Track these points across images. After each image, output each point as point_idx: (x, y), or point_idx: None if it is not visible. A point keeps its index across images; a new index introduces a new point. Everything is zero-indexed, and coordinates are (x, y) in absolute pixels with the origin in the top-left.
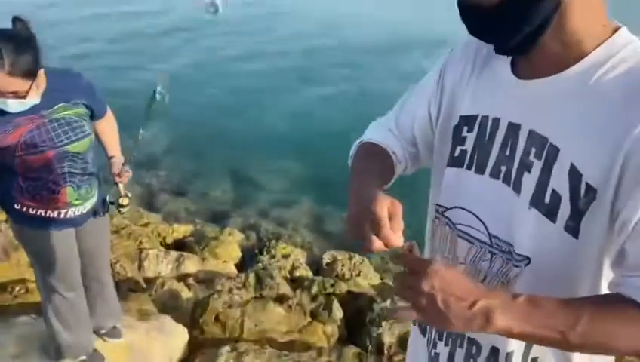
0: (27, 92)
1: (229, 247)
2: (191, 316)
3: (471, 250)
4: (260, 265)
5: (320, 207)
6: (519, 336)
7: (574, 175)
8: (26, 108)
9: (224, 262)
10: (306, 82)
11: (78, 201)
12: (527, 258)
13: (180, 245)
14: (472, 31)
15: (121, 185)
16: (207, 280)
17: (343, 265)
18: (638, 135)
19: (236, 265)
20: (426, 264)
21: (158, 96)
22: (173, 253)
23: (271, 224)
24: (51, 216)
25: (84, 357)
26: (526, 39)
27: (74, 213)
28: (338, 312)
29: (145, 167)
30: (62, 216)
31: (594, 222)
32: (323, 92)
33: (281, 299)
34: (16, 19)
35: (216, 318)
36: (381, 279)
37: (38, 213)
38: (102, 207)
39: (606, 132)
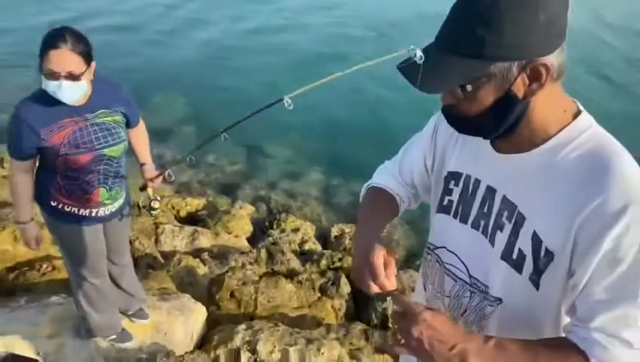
0: (81, 75)
1: (241, 221)
2: (207, 293)
3: (454, 286)
4: (270, 239)
5: (329, 179)
6: None
7: (536, 240)
8: (77, 97)
9: (236, 236)
10: (318, 55)
11: (108, 201)
12: (500, 299)
13: (193, 219)
14: (459, 130)
15: (151, 190)
16: (220, 255)
17: (350, 238)
18: (588, 213)
19: (248, 239)
20: (417, 311)
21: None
22: (188, 228)
23: (280, 196)
24: (84, 213)
25: (114, 336)
26: (504, 132)
27: (104, 211)
28: (346, 287)
29: (157, 138)
30: (93, 214)
31: (552, 278)
32: (334, 66)
33: (291, 275)
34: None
35: (232, 295)
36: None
37: (72, 211)
38: (128, 209)
39: (564, 207)
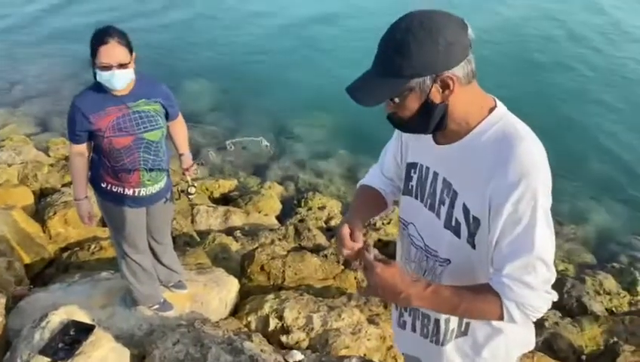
0: (129, 63)
1: (270, 200)
2: (240, 267)
3: (416, 253)
4: (297, 216)
5: (354, 158)
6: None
7: (466, 210)
8: (127, 82)
9: (265, 215)
10: (345, 38)
11: (149, 182)
12: (448, 260)
13: (226, 199)
14: (403, 131)
15: (189, 177)
16: (251, 232)
17: None
18: (494, 186)
19: (277, 217)
20: (374, 265)
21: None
22: (221, 208)
23: (308, 175)
24: (128, 193)
25: (156, 306)
26: (435, 128)
27: (145, 192)
28: None
29: (191, 122)
30: (135, 193)
31: (482, 239)
32: (360, 47)
33: (317, 250)
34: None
35: (262, 268)
36: None
37: (118, 191)
38: (170, 194)
39: (481, 183)
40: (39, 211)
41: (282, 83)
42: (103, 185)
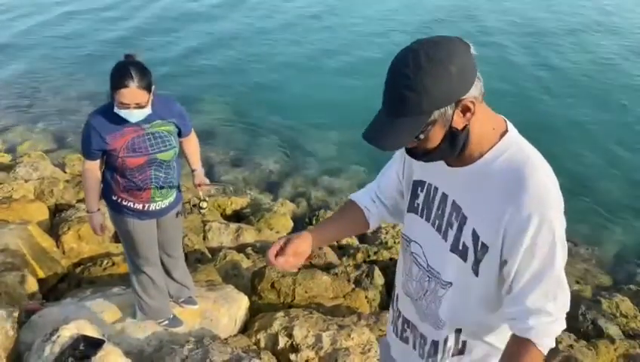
0: (147, 102)
1: (282, 218)
2: (250, 284)
3: (419, 272)
4: None
5: (367, 174)
6: None
7: (475, 236)
8: (143, 118)
9: (277, 232)
10: (358, 52)
11: (159, 198)
12: (450, 283)
13: (238, 216)
14: (425, 161)
15: (201, 192)
16: (262, 249)
17: (386, 233)
18: (508, 218)
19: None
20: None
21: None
22: (233, 225)
23: (320, 192)
24: (138, 207)
25: (166, 322)
26: (459, 153)
27: (155, 207)
28: (379, 279)
29: (203, 138)
30: (146, 208)
31: (488, 266)
32: (373, 60)
33: (328, 268)
34: (127, 56)
35: (272, 286)
36: None
37: (129, 205)
38: (181, 207)
39: (493, 211)
40: (54, 226)
41: (294, 99)
42: (114, 198)
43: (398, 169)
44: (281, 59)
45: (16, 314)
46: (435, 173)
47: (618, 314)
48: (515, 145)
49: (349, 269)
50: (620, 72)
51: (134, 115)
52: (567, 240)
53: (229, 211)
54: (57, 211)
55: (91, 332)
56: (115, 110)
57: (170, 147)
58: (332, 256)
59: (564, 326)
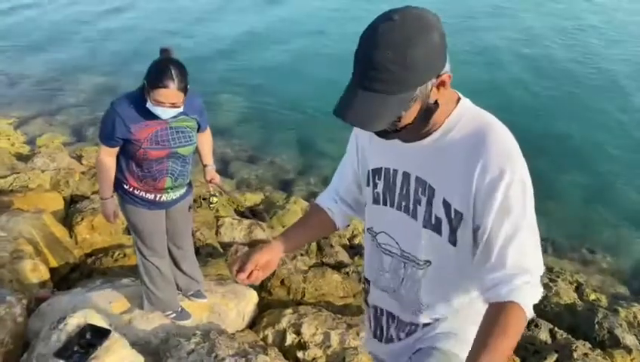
0: (182, 103)
1: (295, 216)
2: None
3: (392, 261)
4: None
5: None
6: None
7: (446, 205)
8: (175, 114)
9: None
10: None
11: (171, 190)
12: (429, 261)
13: (251, 213)
14: (387, 137)
15: (211, 187)
16: None
17: None
18: (478, 176)
19: None
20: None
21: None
22: (246, 221)
23: None
24: (149, 197)
25: (174, 314)
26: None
27: (166, 198)
28: None
29: (220, 136)
30: (157, 198)
31: (464, 233)
32: None
33: (339, 267)
34: (163, 50)
35: (282, 283)
36: None
37: (140, 194)
38: (191, 199)
39: (460, 175)
40: (68, 217)
41: (308, 98)
42: (126, 187)
43: (353, 162)
44: (298, 59)
45: (25, 302)
46: (392, 155)
47: (636, 324)
48: (471, 110)
49: (360, 268)
50: None
51: (168, 113)
52: (586, 249)
53: (242, 207)
54: (72, 202)
55: (98, 321)
56: (148, 105)
57: (191, 142)
58: (343, 255)
59: (541, 291)
